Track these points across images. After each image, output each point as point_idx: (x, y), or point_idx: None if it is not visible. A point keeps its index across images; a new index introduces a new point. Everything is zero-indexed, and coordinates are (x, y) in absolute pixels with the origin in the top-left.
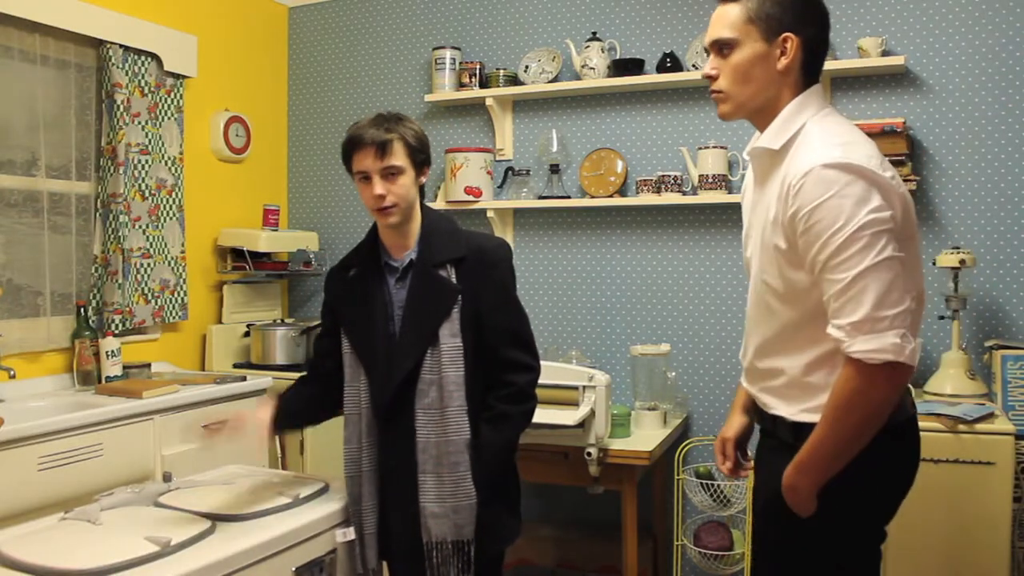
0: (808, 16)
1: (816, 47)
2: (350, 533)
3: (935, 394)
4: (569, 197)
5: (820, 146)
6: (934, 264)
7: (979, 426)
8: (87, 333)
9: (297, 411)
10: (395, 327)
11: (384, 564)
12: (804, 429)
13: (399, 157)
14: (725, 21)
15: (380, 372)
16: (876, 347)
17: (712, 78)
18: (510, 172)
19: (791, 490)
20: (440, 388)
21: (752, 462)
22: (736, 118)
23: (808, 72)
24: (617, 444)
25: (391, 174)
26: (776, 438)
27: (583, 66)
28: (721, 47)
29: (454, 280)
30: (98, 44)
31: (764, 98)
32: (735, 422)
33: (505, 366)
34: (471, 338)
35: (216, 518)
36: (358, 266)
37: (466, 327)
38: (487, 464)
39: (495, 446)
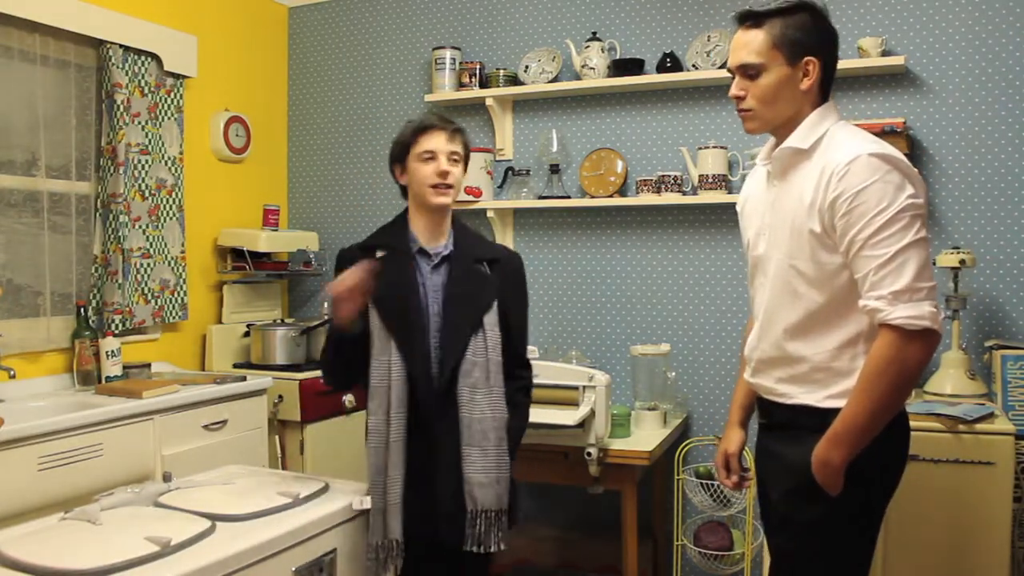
0: (824, 39)
1: (832, 67)
2: (366, 501)
3: (935, 394)
4: (569, 197)
5: (859, 141)
6: (934, 264)
7: (979, 426)
8: (87, 333)
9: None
10: (432, 310)
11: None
12: (830, 415)
13: (462, 147)
14: (751, 47)
15: (420, 350)
16: (916, 314)
17: (740, 98)
18: (510, 172)
19: (824, 465)
20: (485, 370)
21: (751, 472)
22: (762, 132)
23: (824, 89)
24: (617, 444)
25: (455, 160)
26: (793, 428)
27: (583, 66)
28: (747, 70)
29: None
30: (98, 44)
31: (789, 115)
32: (736, 436)
33: (518, 362)
34: (501, 331)
35: (216, 518)
36: (386, 249)
37: (499, 321)
38: (512, 444)
39: (517, 430)
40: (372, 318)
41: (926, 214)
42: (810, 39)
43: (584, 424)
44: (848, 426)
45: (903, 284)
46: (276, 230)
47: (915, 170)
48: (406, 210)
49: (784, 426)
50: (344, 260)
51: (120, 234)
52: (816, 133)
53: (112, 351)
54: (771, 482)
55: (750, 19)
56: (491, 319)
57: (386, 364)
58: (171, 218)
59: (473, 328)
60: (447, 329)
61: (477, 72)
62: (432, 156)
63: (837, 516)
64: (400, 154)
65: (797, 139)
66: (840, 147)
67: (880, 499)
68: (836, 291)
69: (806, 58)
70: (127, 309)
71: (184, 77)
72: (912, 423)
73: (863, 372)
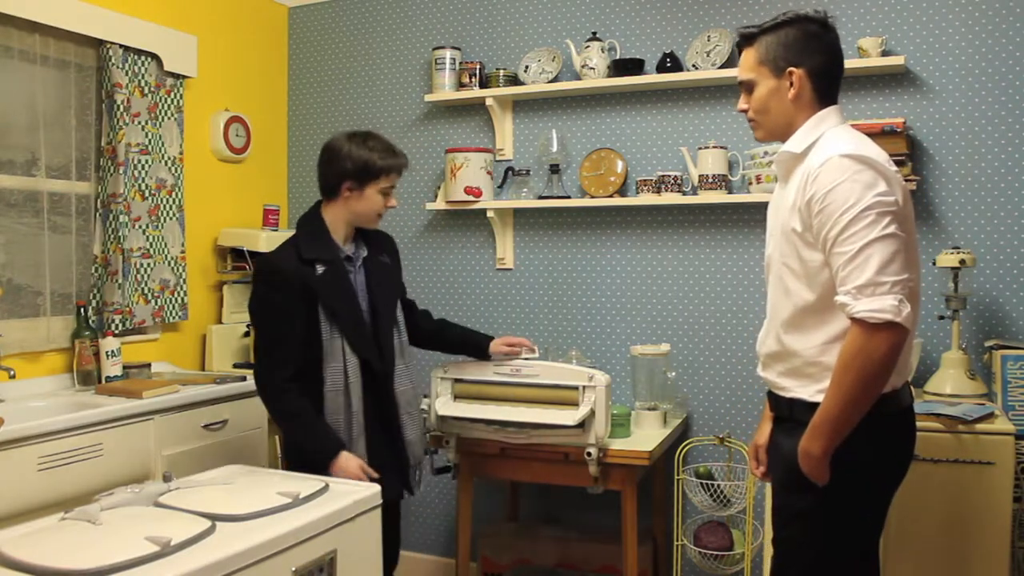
0: (811, 49)
1: (826, 73)
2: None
3: (935, 394)
4: (569, 197)
5: (839, 143)
6: (934, 264)
7: (979, 426)
8: (87, 333)
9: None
10: (365, 307)
11: None
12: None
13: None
14: (745, 65)
15: (368, 348)
16: (877, 307)
17: (745, 111)
18: (510, 172)
19: (807, 455)
20: (403, 349)
21: None
22: (769, 140)
23: (822, 95)
24: (617, 444)
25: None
26: (792, 420)
27: (583, 66)
28: (745, 86)
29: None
30: (98, 44)
31: (784, 122)
32: (766, 430)
33: (411, 304)
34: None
35: (216, 518)
36: (324, 264)
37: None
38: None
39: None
40: (325, 332)
41: (901, 211)
42: (791, 52)
43: (584, 424)
44: (824, 418)
45: (866, 278)
46: (276, 230)
47: (893, 170)
48: (319, 215)
49: (785, 419)
50: (285, 275)
51: (120, 234)
52: (811, 138)
53: (112, 351)
54: (772, 472)
55: (744, 40)
56: (399, 308)
57: (340, 367)
58: (171, 218)
59: (393, 322)
60: (378, 324)
61: (477, 72)
62: (388, 191)
63: (825, 506)
64: (360, 177)
65: (793, 144)
66: (821, 150)
67: (875, 491)
68: (822, 288)
69: (788, 69)
70: (127, 309)
71: (184, 77)
72: (915, 422)
73: (835, 365)
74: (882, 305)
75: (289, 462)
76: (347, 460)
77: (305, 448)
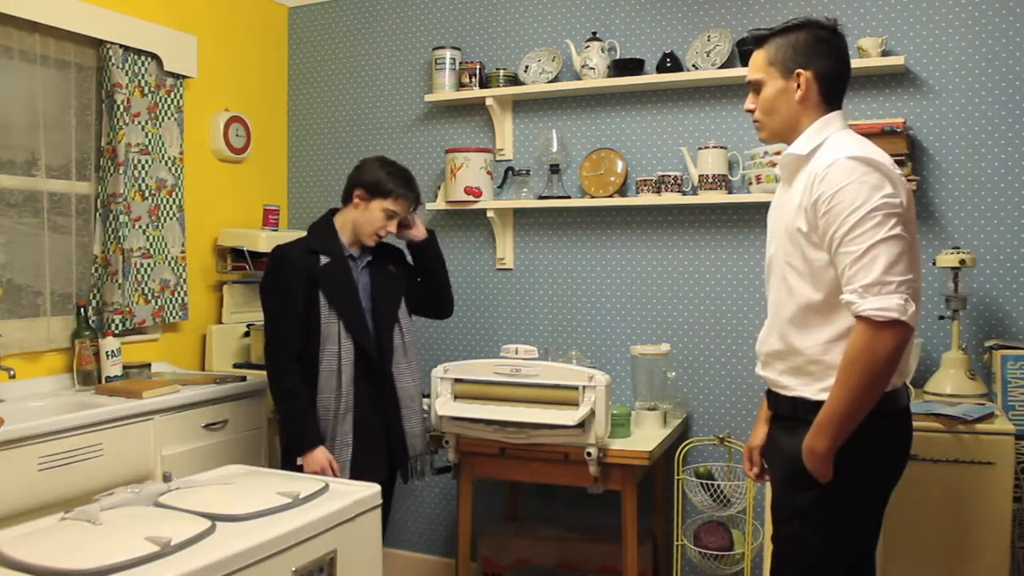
0: (819, 53)
1: (833, 77)
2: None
3: (935, 394)
4: (569, 197)
5: (845, 146)
6: (934, 264)
7: (979, 426)
8: (87, 333)
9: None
10: (365, 304)
11: None
12: (823, 407)
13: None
14: (754, 65)
15: (363, 333)
16: (883, 306)
17: (751, 111)
18: (510, 172)
19: (811, 452)
20: (404, 350)
21: None
22: (772, 142)
23: (828, 99)
24: (617, 444)
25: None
26: (794, 419)
27: (583, 66)
28: (753, 86)
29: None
30: (98, 44)
31: (789, 124)
32: (761, 432)
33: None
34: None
35: (216, 518)
36: (328, 255)
37: (404, 303)
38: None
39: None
40: (324, 316)
41: (906, 213)
42: (801, 54)
43: (584, 424)
44: (828, 415)
45: (873, 278)
46: (276, 230)
47: (897, 172)
48: (330, 220)
49: (786, 417)
50: (293, 262)
51: (120, 234)
52: (816, 140)
53: (112, 351)
54: (772, 470)
55: (754, 42)
56: (402, 310)
57: (335, 352)
58: (171, 218)
59: (396, 319)
60: (378, 320)
61: (477, 72)
62: (392, 216)
63: (827, 503)
64: (372, 190)
65: (798, 146)
66: (827, 152)
67: (875, 489)
68: (826, 287)
69: (797, 71)
70: (127, 309)
71: (184, 77)
72: (912, 422)
73: (840, 363)
74: (888, 304)
75: (283, 437)
76: (320, 454)
77: (290, 430)
